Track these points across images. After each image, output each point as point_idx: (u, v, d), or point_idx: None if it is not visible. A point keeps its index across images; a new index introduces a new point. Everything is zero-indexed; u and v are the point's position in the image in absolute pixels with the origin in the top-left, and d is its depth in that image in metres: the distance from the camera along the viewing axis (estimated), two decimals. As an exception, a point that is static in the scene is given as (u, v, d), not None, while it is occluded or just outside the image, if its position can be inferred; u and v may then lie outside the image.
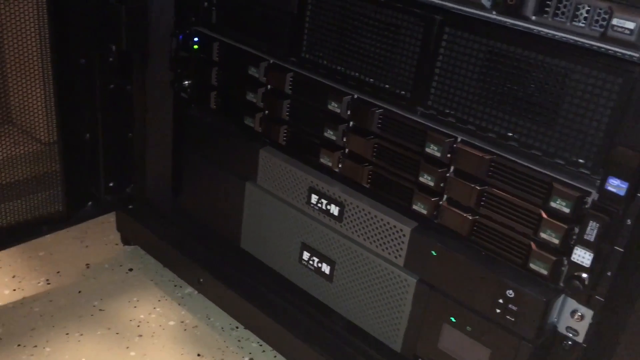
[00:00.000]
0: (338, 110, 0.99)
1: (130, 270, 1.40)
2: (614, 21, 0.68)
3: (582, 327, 0.83)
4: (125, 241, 1.45)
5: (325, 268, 1.07)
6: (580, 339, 0.83)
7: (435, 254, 0.91)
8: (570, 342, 0.84)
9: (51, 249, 1.43)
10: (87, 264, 1.41)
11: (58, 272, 1.37)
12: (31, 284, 1.33)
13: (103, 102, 1.22)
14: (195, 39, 1.19)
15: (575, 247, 0.76)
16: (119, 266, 1.41)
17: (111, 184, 1.32)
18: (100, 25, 1.16)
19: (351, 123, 0.98)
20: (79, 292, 1.32)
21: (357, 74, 0.96)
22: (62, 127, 1.18)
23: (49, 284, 1.33)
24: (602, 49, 0.70)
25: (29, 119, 1.15)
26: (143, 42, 1.20)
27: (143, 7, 1.16)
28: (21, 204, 1.21)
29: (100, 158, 1.27)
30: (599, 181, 0.74)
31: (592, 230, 0.74)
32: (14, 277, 1.34)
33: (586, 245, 0.75)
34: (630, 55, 0.68)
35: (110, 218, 1.46)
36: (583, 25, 0.71)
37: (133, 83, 1.25)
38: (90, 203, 1.31)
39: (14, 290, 1.30)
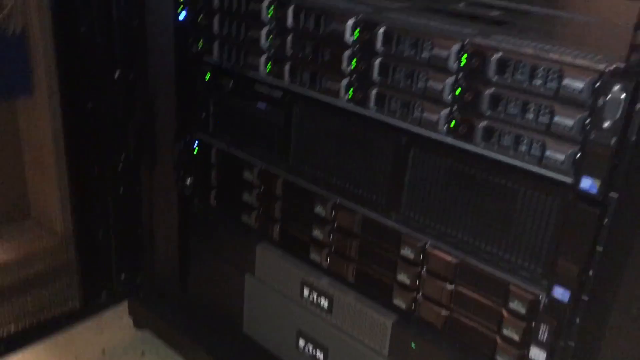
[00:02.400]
0: (323, 214, 1.10)
1: (143, 354, 1.50)
2: (547, 153, 0.79)
3: (549, 413, 0.91)
4: (138, 325, 1.55)
5: (319, 355, 1.16)
6: (547, 423, 0.92)
7: (414, 346, 1.01)
8: None
9: (70, 336, 1.53)
10: (102, 350, 1.51)
11: (76, 357, 1.47)
12: (51, 371, 1.43)
13: (114, 204, 1.34)
14: (196, 144, 1.32)
15: (531, 346, 0.85)
16: (132, 350, 1.51)
17: (123, 276, 1.43)
18: (111, 139, 1.29)
19: (336, 224, 1.10)
20: (96, 378, 1.42)
21: (339, 181, 1.08)
22: (79, 227, 1.31)
23: (67, 371, 1.44)
24: (542, 174, 0.81)
25: (48, 214, 1.27)
26: (150, 150, 1.33)
27: (148, 120, 1.30)
28: (40, 300, 1.33)
29: (113, 254, 1.39)
30: (547, 283, 0.84)
31: (543, 333, 0.83)
32: (34, 365, 1.44)
33: (540, 345, 0.84)
34: (564, 181, 0.79)
35: (125, 302, 1.57)
36: (522, 154, 0.82)
37: (141, 185, 1.38)
38: (104, 295, 1.43)
39: (35, 378, 1.41)
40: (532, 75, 0.80)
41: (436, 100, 0.89)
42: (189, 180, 1.36)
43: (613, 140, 0.72)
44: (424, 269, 0.98)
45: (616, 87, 0.71)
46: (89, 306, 1.40)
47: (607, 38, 0.93)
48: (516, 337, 0.88)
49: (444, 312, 0.97)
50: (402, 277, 1.01)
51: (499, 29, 0.93)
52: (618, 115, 0.71)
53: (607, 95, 0.72)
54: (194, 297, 1.44)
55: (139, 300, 1.48)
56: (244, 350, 1.31)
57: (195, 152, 1.33)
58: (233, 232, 1.30)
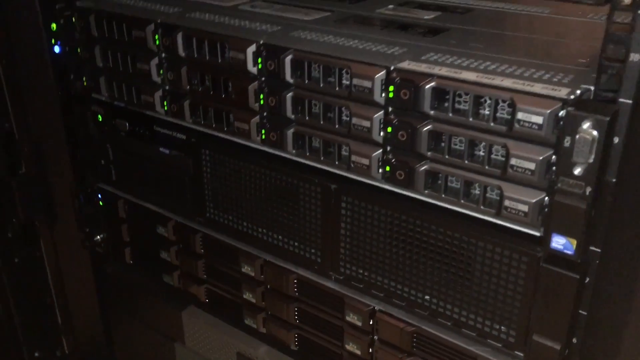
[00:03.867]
0: (252, 274, 0.92)
1: None
2: (506, 202, 0.62)
3: None
4: (66, 401, 1.35)
5: None
6: None
7: None
8: None
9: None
10: None
11: None
12: None
13: (10, 276, 1.13)
14: (99, 196, 1.12)
15: None
16: None
17: (37, 354, 1.23)
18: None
19: (268, 285, 0.92)
20: None
21: (265, 236, 0.89)
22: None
23: None
24: (503, 225, 0.65)
25: None
26: (45, 208, 1.12)
27: (37, 174, 1.09)
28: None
29: (18, 330, 1.18)
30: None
31: (525, 420, 0.68)
32: None
33: None
34: (531, 234, 0.63)
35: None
36: (477, 202, 0.65)
37: (42, 248, 1.17)
38: (17, 377, 1.22)
39: None
40: (476, 105, 0.63)
41: (364, 140, 0.72)
42: (99, 237, 1.16)
43: (588, 190, 0.56)
44: (376, 337, 0.81)
45: (586, 124, 0.54)
46: (2, 393, 1.20)
47: (567, 51, 0.75)
48: (489, 418, 0.72)
49: (405, 387, 0.80)
50: (352, 347, 0.84)
51: (434, 40, 0.75)
52: (592, 159, 0.55)
53: (574, 133, 0.55)
54: (123, 368, 1.25)
55: (63, 376, 1.28)
56: None
57: (100, 205, 1.13)
58: (156, 294, 1.11)
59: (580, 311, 0.64)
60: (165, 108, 0.93)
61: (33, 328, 1.21)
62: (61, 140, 1.09)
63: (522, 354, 0.68)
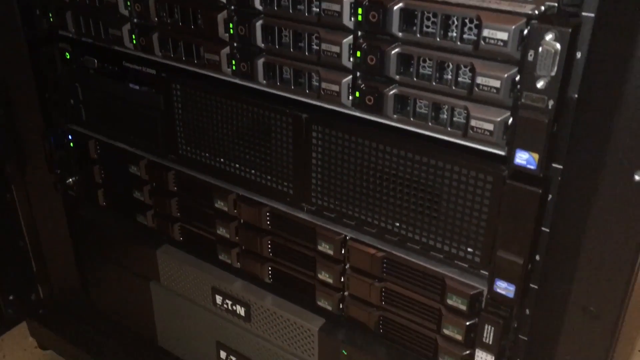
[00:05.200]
0: (225, 209, 0.93)
1: (53, 376, 1.32)
2: (472, 122, 0.64)
3: (503, 412, 0.80)
4: (42, 346, 1.36)
5: (244, 366, 1.02)
6: (503, 422, 0.81)
7: (345, 353, 0.87)
8: None
9: (-36, 368, 1.33)
10: (5, 379, 1.32)
11: (-26, 395, 1.28)
12: (-55, 416, 1.23)
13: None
14: (70, 137, 1.11)
15: (477, 350, 0.73)
16: (40, 374, 1.33)
17: (11, 297, 1.23)
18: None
19: (242, 220, 0.92)
20: (-1, 416, 1.24)
21: (238, 171, 0.90)
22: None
23: (-35, 412, 1.25)
24: (469, 147, 0.66)
25: None
26: (15, 149, 1.11)
27: (5, 115, 1.07)
28: None
29: (-8, 274, 1.18)
30: (487, 277, 0.70)
31: (488, 334, 0.70)
32: None
33: (486, 348, 0.71)
34: (496, 153, 0.64)
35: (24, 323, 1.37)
36: (444, 125, 0.66)
37: (13, 191, 1.16)
38: (-7, 321, 1.23)
39: None
40: (444, 26, 0.63)
41: (334, 66, 0.72)
42: (71, 180, 1.15)
43: (550, 104, 0.57)
44: (347, 265, 0.83)
45: (549, 36, 0.55)
46: (-22, 336, 1.20)
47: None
48: (459, 337, 0.75)
49: (375, 312, 0.83)
50: (324, 276, 0.85)
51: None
52: (554, 71, 0.56)
53: (537, 46, 0.56)
54: (100, 311, 1.25)
55: (39, 320, 1.28)
56: (162, 365, 1.15)
57: (71, 146, 1.12)
58: (130, 234, 1.11)
59: (542, 228, 0.66)
60: (134, 42, 0.91)
61: (7, 272, 1.20)
62: (29, 82, 1.07)
63: (487, 273, 0.70)
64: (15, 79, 1.08)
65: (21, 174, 1.15)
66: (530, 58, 0.56)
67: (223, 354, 1.04)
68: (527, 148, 0.59)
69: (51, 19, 1.01)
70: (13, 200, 1.17)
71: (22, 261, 1.23)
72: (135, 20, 0.89)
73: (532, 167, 0.60)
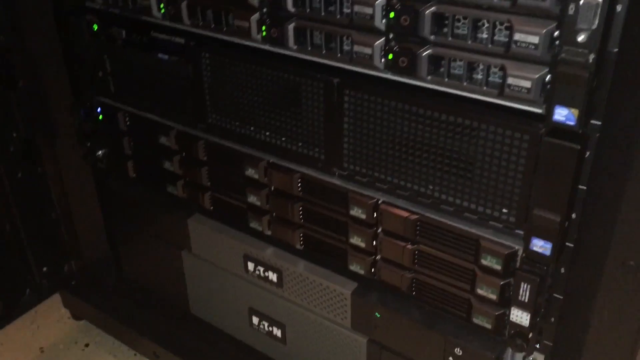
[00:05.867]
0: (256, 176, 0.94)
1: (87, 345, 1.35)
2: (510, 80, 0.63)
3: (536, 370, 0.81)
4: (76, 316, 1.39)
5: (277, 331, 1.03)
6: (536, 380, 0.82)
7: (379, 315, 0.88)
8: (527, 384, 0.83)
9: (1, 339, 1.36)
10: (41, 348, 1.35)
11: (12, 363, 1.32)
12: (-15, 384, 1.27)
13: (14, 190, 1.15)
14: (99, 110, 1.12)
15: (512, 308, 0.73)
16: (74, 344, 1.36)
17: (45, 268, 1.25)
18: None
19: (272, 187, 0.93)
20: (37, 383, 1.27)
21: (268, 138, 0.90)
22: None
23: (4, 380, 1.28)
24: (505, 105, 0.66)
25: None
26: (45, 123, 1.12)
27: (35, 89, 1.08)
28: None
29: (26, 245, 1.21)
30: (523, 236, 0.71)
31: (524, 292, 0.71)
32: (-34, 381, 1.29)
33: (521, 306, 0.72)
34: (533, 112, 0.64)
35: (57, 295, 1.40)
36: (479, 84, 0.66)
37: (44, 164, 1.18)
38: (28, 291, 1.25)
39: (-32, 396, 1.25)
40: (481, -16, 0.63)
41: (367, 29, 0.72)
42: (100, 153, 1.17)
43: (591, 58, 0.57)
44: (380, 229, 0.84)
45: (591, -12, 0.54)
46: (14, 306, 1.23)
47: None
48: (493, 297, 0.75)
49: (407, 275, 0.83)
50: (356, 241, 0.86)
51: None
52: (595, 24, 0.56)
53: (579, -1, 0.55)
54: (131, 281, 1.28)
55: (72, 291, 1.31)
56: (193, 332, 1.17)
57: (100, 119, 1.13)
58: (160, 205, 1.13)
59: (579, 186, 0.66)
60: (162, 11, 0.92)
61: (40, 244, 1.23)
62: (57, 55, 1.08)
63: (522, 232, 0.71)
64: (43, 53, 1.09)
65: (51, 147, 1.16)
66: (571, 11, 0.56)
67: (255, 320, 1.05)
68: (566, 104, 0.59)
69: (78, -9, 1.02)
70: (44, 174, 1.19)
71: (55, 233, 1.25)
72: (163, -11, 0.90)
73: (571, 123, 0.60)
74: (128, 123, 1.09)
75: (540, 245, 0.67)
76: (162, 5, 0.91)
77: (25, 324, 1.40)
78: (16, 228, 1.18)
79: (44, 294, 1.28)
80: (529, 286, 0.70)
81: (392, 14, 0.69)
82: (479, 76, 0.67)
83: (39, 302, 1.30)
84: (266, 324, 1.04)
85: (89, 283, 1.32)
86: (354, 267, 0.89)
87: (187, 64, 0.94)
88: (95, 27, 1.03)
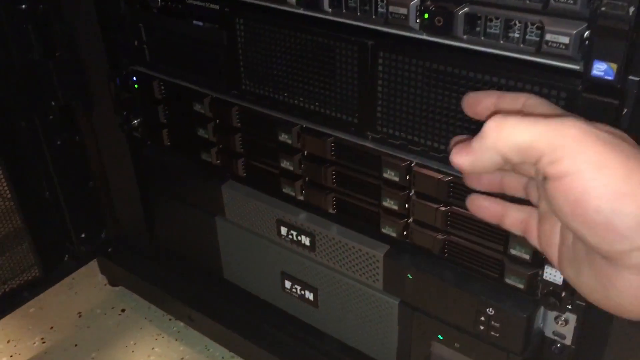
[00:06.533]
0: (289, 142, 0.95)
1: (123, 311, 1.40)
2: (548, 36, 0.63)
3: (568, 331, 0.81)
4: (112, 282, 1.44)
5: (309, 295, 1.06)
6: (568, 341, 0.82)
7: (411, 277, 0.89)
8: (559, 345, 0.83)
9: (41, 303, 1.42)
10: (79, 313, 1.40)
11: (52, 327, 1.37)
12: (27, 345, 1.32)
13: (53, 158, 1.18)
14: (134, 79, 1.14)
15: (545, 266, 0.74)
16: (110, 309, 1.40)
17: (83, 235, 1.29)
18: (32, 84, 1.11)
19: (305, 152, 0.95)
20: (75, 345, 1.32)
21: (301, 103, 0.91)
22: (19, 188, 1.15)
23: (44, 342, 1.33)
24: (542, 63, 0.66)
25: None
26: (82, 92, 1.15)
27: (72, 58, 1.11)
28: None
29: (65, 212, 1.24)
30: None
31: (559, 250, 0.71)
32: (8, 342, 1.34)
33: (556, 264, 0.72)
34: (570, 68, 0.64)
35: (94, 261, 1.44)
36: (516, 42, 0.66)
37: (82, 132, 1.21)
38: (67, 257, 1.30)
39: (11, 356, 1.30)
40: (520, -61, 0.63)
41: (403, -12, 0.72)
42: (136, 121, 1.19)
43: (631, 11, 0.57)
44: (412, 191, 0.85)
45: (633, -61, 0.54)
46: (53, 272, 1.27)
47: None
48: (526, 256, 0.76)
49: (440, 237, 0.84)
50: (389, 204, 0.87)
51: None
52: (637, -23, 0.55)
53: (621, -49, 0.55)
54: (166, 247, 1.31)
55: (109, 257, 1.35)
56: (227, 296, 1.20)
57: (136, 88, 1.15)
58: (194, 172, 1.15)
59: (616, 144, 0.66)
60: (198, -22, 0.93)
61: (78, 211, 1.27)
62: (94, 24, 1.10)
63: (557, 191, 0.71)
64: (80, 22, 1.11)
65: (89, 116, 1.19)
66: (611, -36, 0.55)
67: (288, 284, 1.08)
68: (605, 58, 0.59)
69: (114, -40, 1.03)
70: (82, 142, 1.22)
71: (93, 200, 1.29)
72: (198, -45, 0.91)
73: (609, 77, 0.60)
74: (163, 91, 1.11)
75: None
76: (197, -28, 0.92)
77: (64, 289, 1.45)
78: (55, 195, 1.21)
79: (82, 260, 1.32)
80: (563, 244, 0.71)
81: (428, -27, 0.69)
82: (516, 34, 0.67)
83: (77, 269, 1.34)
84: (298, 288, 1.07)
85: (125, 250, 1.35)
86: (386, 230, 0.90)
87: (221, 30, 0.95)
88: (131, -5, 1.05)
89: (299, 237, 1.01)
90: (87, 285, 1.47)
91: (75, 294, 1.45)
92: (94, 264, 1.43)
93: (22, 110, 1.12)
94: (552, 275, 0.74)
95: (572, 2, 0.60)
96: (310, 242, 1.00)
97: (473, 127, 0.74)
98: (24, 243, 1.21)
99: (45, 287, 1.28)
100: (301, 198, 0.99)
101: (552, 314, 0.82)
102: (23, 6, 1.06)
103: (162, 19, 1.03)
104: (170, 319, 1.35)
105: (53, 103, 1.14)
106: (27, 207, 1.18)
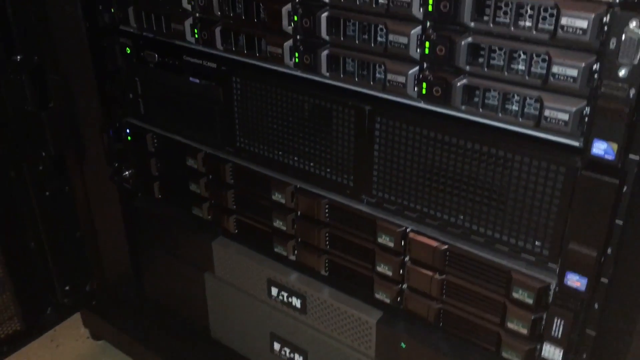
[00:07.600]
0: (283, 201, 0.94)
1: (105, 366, 1.35)
2: (547, 112, 0.63)
3: (567, 407, 0.79)
4: (95, 336, 1.39)
5: (298, 358, 1.02)
6: (567, 417, 0.79)
7: (404, 346, 0.87)
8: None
9: (21, 356, 1.36)
10: (59, 367, 1.35)
11: (30, 381, 1.32)
12: (4, 402, 1.27)
13: (41, 208, 1.16)
14: (127, 131, 1.13)
15: (544, 343, 0.72)
16: (93, 364, 1.36)
17: (67, 287, 1.26)
18: (24, 135, 1.10)
19: (299, 212, 0.93)
20: (55, 403, 1.27)
21: (296, 163, 0.90)
22: (2, 240, 1.12)
23: (22, 399, 1.28)
24: (541, 137, 0.66)
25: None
26: (74, 142, 1.13)
27: (66, 109, 1.10)
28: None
29: (50, 263, 1.21)
30: (558, 270, 0.69)
31: (557, 327, 0.69)
32: (-16, 397, 1.28)
33: (554, 341, 0.70)
34: (570, 144, 0.64)
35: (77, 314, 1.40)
36: (515, 115, 0.66)
37: (72, 183, 1.19)
38: (49, 310, 1.26)
39: (-14, 413, 1.25)
40: (518, 15, 0.63)
41: (401, 57, 0.72)
42: (127, 173, 1.18)
43: (632, 92, 0.56)
44: (407, 257, 0.83)
45: (633, 23, 0.54)
46: (34, 325, 1.23)
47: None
48: (524, 331, 0.74)
49: (435, 305, 0.82)
50: (383, 269, 0.85)
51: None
52: (637, 59, 0.55)
53: (620, 33, 0.55)
54: (153, 302, 1.28)
55: (93, 310, 1.32)
56: (214, 357, 1.16)
57: (128, 140, 1.14)
58: (185, 226, 1.13)
59: (616, 221, 0.65)
60: (196, 36, 0.93)
61: (64, 262, 1.23)
62: (89, 76, 1.10)
63: (555, 266, 0.69)
64: (76, 73, 1.10)
65: (79, 166, 1.17)
66: (612, 46, 0.55)
67: (277, 346, 1.04)
68: (605, 138, 0.59)
69: (113, 14, 1.03)
70: (71, 192, 1.20)
71: (79, 252, 1.26)
72: (197, 14, 0.91)
73: (610, 157, 0.59)
74: (156, 144, 1.10)
75: (575, 280, 0.66)
76: (196, 30, 0.92)
77: (46, 342, 1.40)
78: (41, 246, 1.18)
79: (65, 312, 1.28)
80: (562, 321, 0.69)
81: (427, 44, 0.69)
82: (514, 107, 0.67)
83: (60, 322, 1.30)
84: (288, 350, 1.03)
85: (110, 303, 1.32)
86: (380, 296, 0.88)
87: (217, 88, 0.95)
88: (128, 50, 1.05)
89: (290, 299, 0.98)
90: (70, 338, 1.42)
91: (57, 347, 1.40)
92: (75, 318, 1.39)
93: (12, 160, 1.10)
94: (550, 352, 0.72)
95: (572, 80, 0.60)
96: (301, 304, 0.97)
97: (469, 196, 0.73)
98: (5, 293, 1.18)
99: (27, 340, 1.24)
100: (293, 258, 0.97)
101: (551, 390, 0.79)
102: (18, 57, 1.05)
103: (158, 73, 1.03)
104: (153, 376, 1.31)
105: (44, 153, 1.12)
106: (10, 256, 1.15)
